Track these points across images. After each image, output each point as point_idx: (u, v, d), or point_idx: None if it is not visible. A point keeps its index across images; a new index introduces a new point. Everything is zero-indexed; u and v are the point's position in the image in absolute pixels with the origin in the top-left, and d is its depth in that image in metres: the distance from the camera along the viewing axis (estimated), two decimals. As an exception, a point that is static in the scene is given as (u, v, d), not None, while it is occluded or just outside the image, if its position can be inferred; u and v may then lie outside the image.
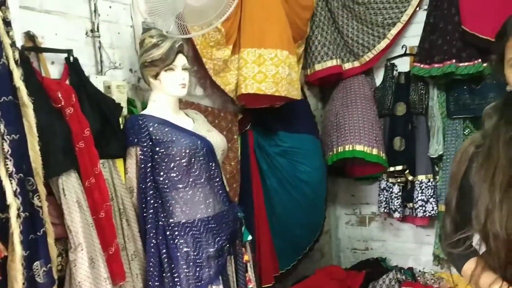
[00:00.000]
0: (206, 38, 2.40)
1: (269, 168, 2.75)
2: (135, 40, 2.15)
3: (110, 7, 2.08)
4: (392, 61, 3.36)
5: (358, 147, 3.09)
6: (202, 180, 1.88)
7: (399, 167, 3.21)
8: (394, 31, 3.26)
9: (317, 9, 3.27)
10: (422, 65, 3.08)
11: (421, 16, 3.22)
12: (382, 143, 3.19)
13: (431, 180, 3.17)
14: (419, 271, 3.30)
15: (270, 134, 2.80)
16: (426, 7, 3.19)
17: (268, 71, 2.56)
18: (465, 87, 3.08)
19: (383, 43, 3.28)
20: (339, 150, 3.19)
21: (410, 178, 3.22)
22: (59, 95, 1.63)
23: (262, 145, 2.76)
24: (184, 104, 2.29)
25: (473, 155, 1.25)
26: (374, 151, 3.12)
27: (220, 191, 1.95)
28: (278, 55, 2.61)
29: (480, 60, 2.95)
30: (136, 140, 1.86)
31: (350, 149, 3.15)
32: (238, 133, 2.65)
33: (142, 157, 1.85)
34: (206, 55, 2.42)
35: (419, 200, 3.15)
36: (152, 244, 1.81)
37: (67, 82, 1.78)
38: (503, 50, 1.20)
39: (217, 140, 1.98)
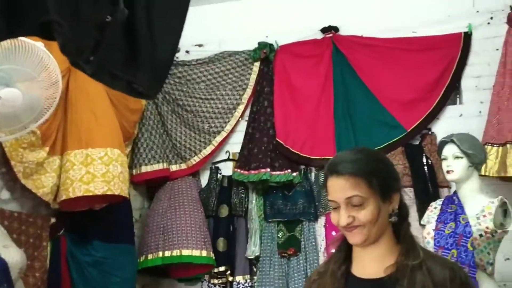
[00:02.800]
0: (18, 140, 2.29)
1: (79, 278, 2.60)
2: None
3: None
4: (217, 165, 3.57)
5: (185, 252, 3.15)
6: (-10, 306, 1.69)
7: (221, 268, 3.31)
8: (219, 138, 3.51)
9: (146, 112, 3.38)
10: (241, 171, 3.34)
11: (244, 125, 3.54)
12: (210, 243, 3.29)
13: (248, 280, 3.32)
14: None
15: (84, 242, 2.68)
16: (247, 118, 3.54)
17: (97, 170, 2.54)
18: (279, 194, 3.40)
19: (209, 149, 3.50)
20: (166, 255, 3.21)
21: (230, 279, 3.32)
22: None
23: (74, 253, 2.61)
24: (-15, 210, 2.10)
25: (312, 283, 1.30)
26: (204, 253, 3.21)
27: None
28: (108, 154, 2.61)
29: (290, 170, 3.32)
30: None
31: (178, 254, 3.19)
32: (48, 240, 2.48)
33: None
34: (15, 158, 2.29)
35: (238, 301, 3.26)
36: None
37: None
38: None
39: (14, 257, 1.83)
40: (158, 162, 3.31)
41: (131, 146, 3.26)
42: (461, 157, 2.21)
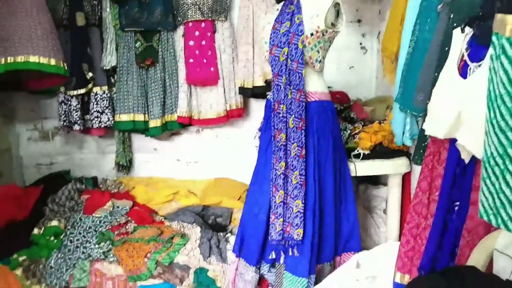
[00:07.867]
0: None
1: None
2: None
3: None
4: (63, -32, 3.18)
5: (33, 59, 2.91)
6: None
7: (77, 80, 3.19)
8: None
9: None
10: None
11: None
12: (61, 52, 3.07)
13: (106, 91, 3.27)
14: (102, 179, 3.48)
15: None
16: None
17: None
18: (135, 1, 3.18)
19: None
20: (9, 61, 2.93)
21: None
22: None
23: None
24: None
25: None
26: (52, 62, 2.99)
27: None
28: None
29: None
30: None
31: (23, 60, 2.94)
32: None
33: None
34: None
35: (95, 111, 3.25)
36: None
37: None
38: None
39: None
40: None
41: None
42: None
